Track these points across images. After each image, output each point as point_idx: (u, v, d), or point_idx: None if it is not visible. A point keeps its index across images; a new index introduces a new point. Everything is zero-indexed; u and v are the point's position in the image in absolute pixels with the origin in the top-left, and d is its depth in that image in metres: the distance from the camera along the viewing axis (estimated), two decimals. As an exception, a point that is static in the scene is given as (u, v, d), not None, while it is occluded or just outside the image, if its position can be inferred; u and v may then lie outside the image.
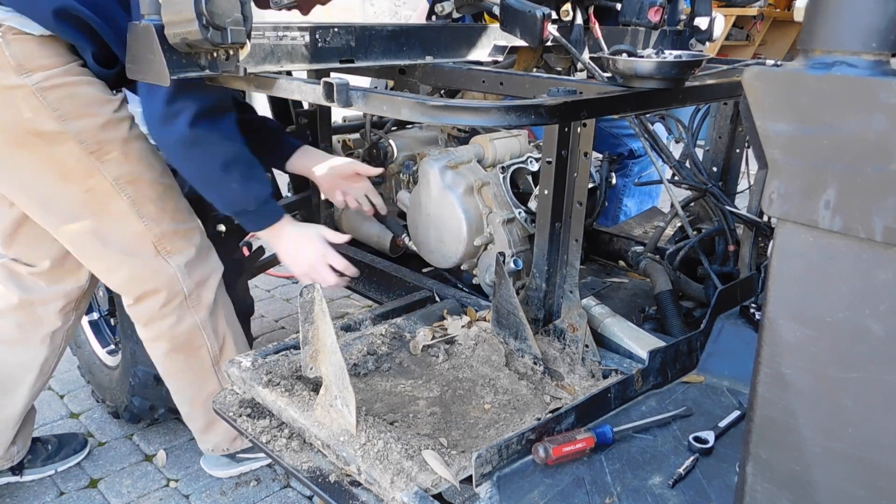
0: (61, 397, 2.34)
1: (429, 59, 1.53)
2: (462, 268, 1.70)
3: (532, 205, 1.68)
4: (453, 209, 1.63)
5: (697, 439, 1.17)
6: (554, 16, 1.49)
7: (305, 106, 2.05)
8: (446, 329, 1.51)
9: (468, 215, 1.63)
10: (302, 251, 1.61)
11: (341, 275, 1.63)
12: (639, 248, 1.86)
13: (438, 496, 1.05)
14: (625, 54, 1.21)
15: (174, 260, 1.62)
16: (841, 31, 0.57)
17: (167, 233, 1.61)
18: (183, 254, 1.63)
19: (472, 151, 1.73)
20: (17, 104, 1.43)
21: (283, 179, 2.38)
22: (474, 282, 1.74)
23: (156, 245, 1.60)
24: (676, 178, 1.86)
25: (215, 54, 1.21)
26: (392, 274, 1.84)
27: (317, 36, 1.34)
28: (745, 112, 0.61)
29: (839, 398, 0.61)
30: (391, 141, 2.05)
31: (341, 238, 1.64)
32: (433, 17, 1.65)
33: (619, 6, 1.68)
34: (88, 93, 1.49)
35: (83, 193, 1.53)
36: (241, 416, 1.31)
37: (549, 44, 1.38)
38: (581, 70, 1.74)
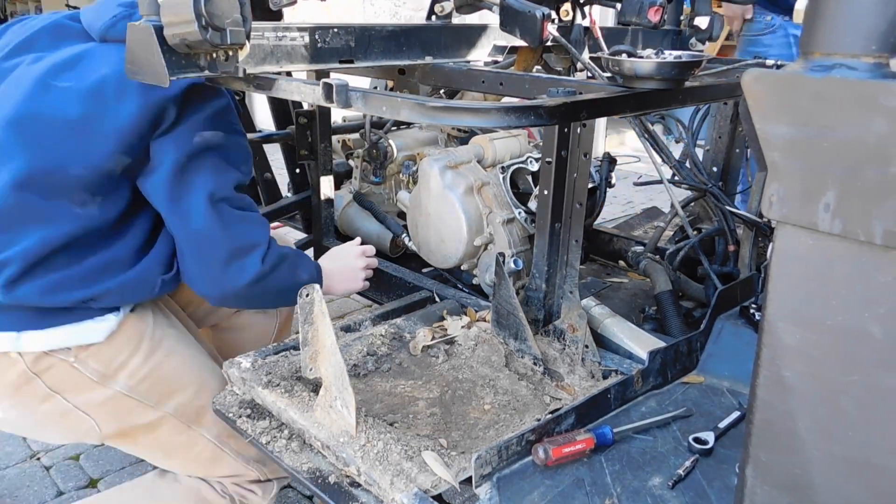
0: (61, 397, 2.34)
1: (428, 60, 1.53)
2: (462, 268, 1.71)
3: (532, 205, 1.68)
4: (453, 209, 1.63)
5: (697, 440, 1.17)
6: (553, 15, 1.49)
7: (305, 106, 2.05)
8: (446, 329, 1.51)
9: (468, 215, 1.63)
10: (348, 271, 1.65)
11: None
12: (639, 249, 1.86)
13: (438, 497, 1.05)
14: (624, 54, 1.21)
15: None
16: (841, 34, 0.56)
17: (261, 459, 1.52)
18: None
19: (472, 151, 1.73)
20: (113, 411, 1.39)
21: (283, 180, 2.38)
22: (474, 282, 1.74)
23: (259, 475, 1.53)
24: (676, 178, 1.86)
25: (215, 55, 1.20)
26: (392, 274, 1.84)
27: (316, 36, 1.34)
28: (745, 114, 0.61)
29: (839, 401, 0.61)
30: (391, 141, 2.05)
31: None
32: (433, 18, 1.65)
33: (618, 6, 1.68)
34: (175, 364, 1.43)
35: (188, 462, 1.48)
36: (240, 416, 1.31)
37: (548, 44, 1.38)
38: (581, 70, 1.74)
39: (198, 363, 1.45)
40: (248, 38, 1.17)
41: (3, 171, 1.25)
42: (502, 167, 1.73)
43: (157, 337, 1.43)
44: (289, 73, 1.41)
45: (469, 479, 1.06)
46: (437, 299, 1.67)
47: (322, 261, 1.62)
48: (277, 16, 1.50)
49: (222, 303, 1.49)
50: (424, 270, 1.89)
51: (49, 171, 1.26)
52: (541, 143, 1.62)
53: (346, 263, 1.65)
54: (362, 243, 1.88)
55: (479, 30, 1.64)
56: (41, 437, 1.51)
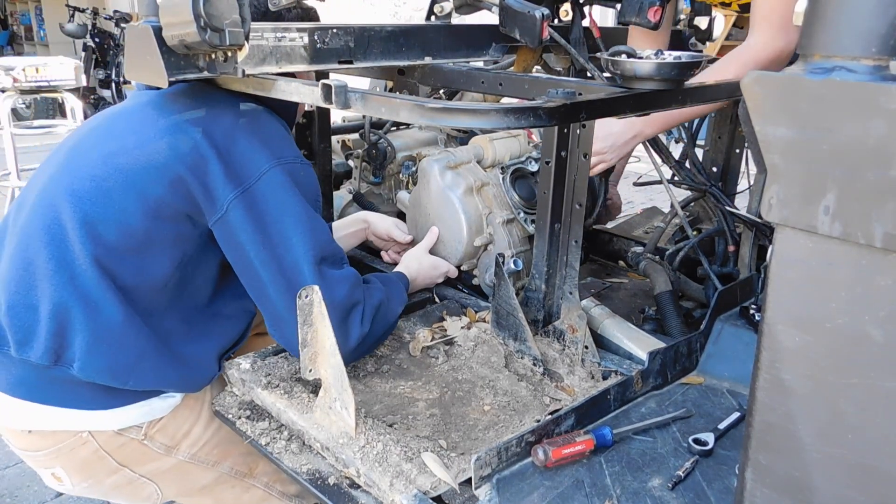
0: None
1: (428, 60, 1.52)
2: (462, 268, 1.70)
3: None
4: (453, 210, 1.63)
5: (697, 441, 1.16)
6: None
7: (304, 107, 2.05)
8: (446, 330, 1.51)
9: (468, 216, 1.62)
10: (432, 279, 1.67)
11: None
12: (638, 249, 1.86)
13: (438, 499, 1.05)
14: (624, 55, 1.21)
15: None
16: (840, 36, 0.56)
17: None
18: None
19: (472, 152, 1.73)
20: (175, 476, 1.46)
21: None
22: (474, 282, 1.73)
23: None
24: (676, 178, 1.85)
25: (213, 56, 1.20)
26: (391, 274, 1.83)
27: (315, 37, 1.34)
28: (745, 116, 0.61)
29: (839, 404, 0.61)
30: (390, 141, 2.05)
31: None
32: (432, 18, 1.65)
33: (618, 6, 1.68)
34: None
35: None
36: (240, 418, 1.31)
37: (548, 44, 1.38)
38: (580, 70, 1.74)
39: None
40: (246, 38, 1.17)
41: (84, 244, 1.26)
42: (502, 167, 1.73)
43: (205, 411, 1.46)
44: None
45: (469, 481, 1.06)
46: (437, 300, 1.67)
47: (411, 264, 1.63)
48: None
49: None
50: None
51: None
52: (540, 144, 1.61)
53: (431, 276, 1.65)
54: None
55: (479, 30, 1.63)
56: (105, 499, 1.61)
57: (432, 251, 1.68)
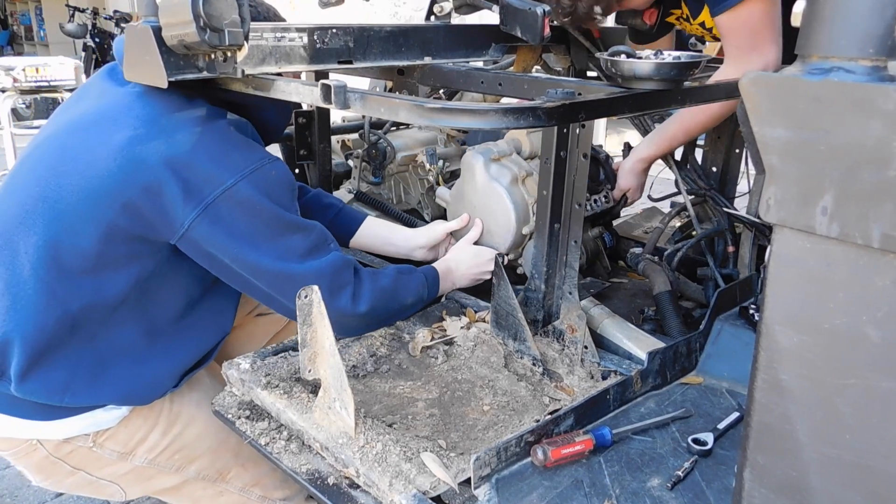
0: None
1: (427, 60, 1.52)
2: (508, 258, 1.69)
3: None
4: (501, 200, 1.60)
5: (696, 441, 1.17)
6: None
7: (304, 107, 2.05)
8: (445, 330, 1.51)
9: (516, 205, 1.60)
10: (479, 267, 1.63)
11: None
12: (637, 249, 1.86)
13: (437, 499, 1.05)
14: (623, 55, 1.21)
15: None
16: (838, 37, 0.56)
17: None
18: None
19: (512, 144, 1.72)
20: (135, 479, 1.46)
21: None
22: (518, 271, 1.72)
23: None
24: (678, 179, 1.86)
25: (213, 56, 1.20)
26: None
27: (315, 37, 1.34)
28: (743, 117, 0.61)
29: (836, 404, 0.61)
30: (390, 141, 2.05)
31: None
32: (432, 18, 1.65)
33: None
34: (195, 431, 1.47)
35: None
36: (239, 418, 1.31)
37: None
38: (580, 70, 1.74)
39: (217, 422, 1.41)
40: (246, 38, 1.17)
41: (29, 243, 1.26)
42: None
43: (176, 409, 1.46)
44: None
45: (468, 481, 1.06)
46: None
47: (450, 257, 1.62)
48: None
49: (342, 331, 1.44)
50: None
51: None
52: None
53: (477, 265, 1.62)
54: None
55: (479, 30, 1.64)
56: (71, 493, 1.65)
57: (479, 241, 1.66)
